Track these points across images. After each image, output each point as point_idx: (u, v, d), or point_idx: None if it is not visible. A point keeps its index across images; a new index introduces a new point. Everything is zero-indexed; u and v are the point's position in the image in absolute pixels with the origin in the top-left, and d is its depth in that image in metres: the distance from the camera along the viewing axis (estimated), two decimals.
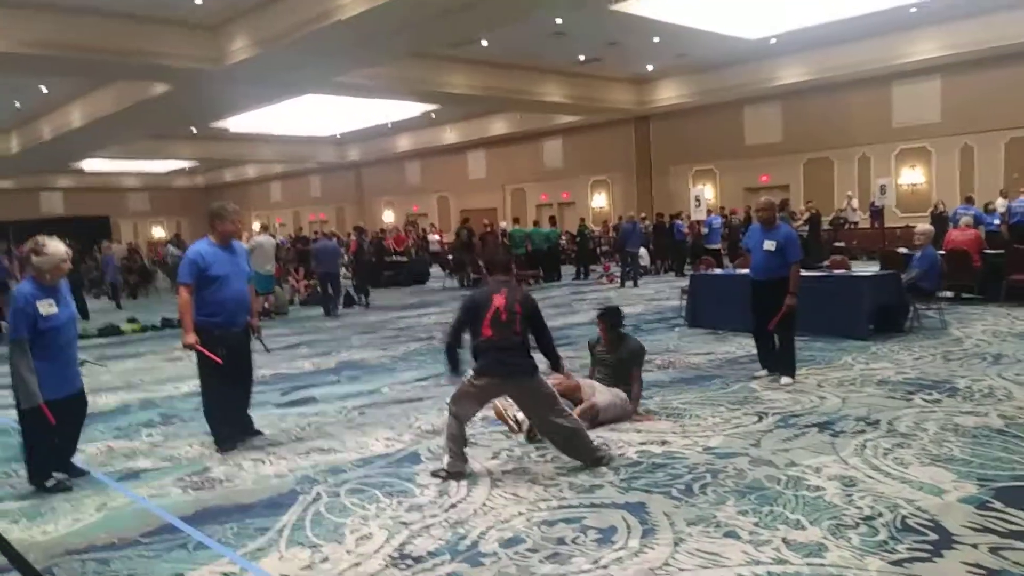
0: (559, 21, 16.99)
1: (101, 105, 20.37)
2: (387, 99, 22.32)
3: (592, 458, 4.65)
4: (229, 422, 5.51)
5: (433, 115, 27.34)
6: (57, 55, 14.43)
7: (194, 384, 7.91)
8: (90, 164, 33.43)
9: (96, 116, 20.81)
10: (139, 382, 8.30)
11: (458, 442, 4.61)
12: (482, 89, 21.13)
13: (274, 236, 17.01)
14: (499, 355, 4.52)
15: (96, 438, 5.95)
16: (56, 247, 4.61)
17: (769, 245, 6.76)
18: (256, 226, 38.97)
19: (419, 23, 13.79)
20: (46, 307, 4.54)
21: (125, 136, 25.25)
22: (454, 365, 4.74)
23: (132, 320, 13.41)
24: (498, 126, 28.74)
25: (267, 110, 22.95)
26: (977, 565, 3.21)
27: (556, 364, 4.96)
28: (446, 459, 4.62)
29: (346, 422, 6.12)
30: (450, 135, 30.50)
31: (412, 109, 25.37)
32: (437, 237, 27.99)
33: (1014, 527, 3.55)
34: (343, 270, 21.71)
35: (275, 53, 15.04)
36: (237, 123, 25.91)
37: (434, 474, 4.62)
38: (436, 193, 34.17)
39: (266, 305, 13.24)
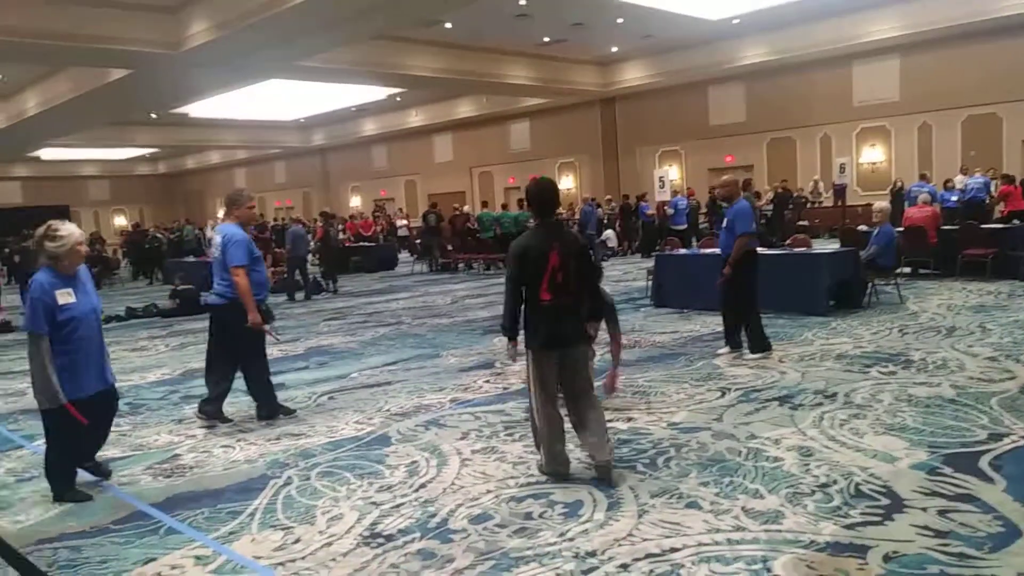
0: (523, 2, 16.96)
1: (58, 91, 19.91)
2: (351, 83, 22.12)
3: (608, 456, 4.14)
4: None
5: (398, 98, 27.15)
6: (10, 40, 14.08)
7: (162, 373, 7.94)
8: (48, 152, 32.70)
9: (53, 103, 20.33)
10: None
11: (558, 439, 4.17)
12: (447, 72, 21.03)
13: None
14: (559, 324, 4.05)
15: None
16: (71, 230, 4.22)
17: (727, 222, 6.91)
18: (220, 213, 38.56)
19: (382, 5, 13.67)
20: (64, 296, 4.15)
21: (83, 123, 24.70)
22: (515, 332, 4.15)
23: None
24: (464, 109, 28.63)
25: (229, 95, 22.61)
26: (926, 527, 3.36)
27: (601, 318, 4.71)
28: (544, 460, 4.24)
29: (315, 407, 6.15)
30: (416, 118, 30.32)
31: (377, 93, 25.15)
32: (405, 222, 27.89)
33: (961, 491, 3.71)
34: (310, 256, 21.65)
35: (235, 37, 14.81)
36: (198, 108, 25.49)
37: (540, 470, 4.24)
38: (403, 177, 33.99)
39: None
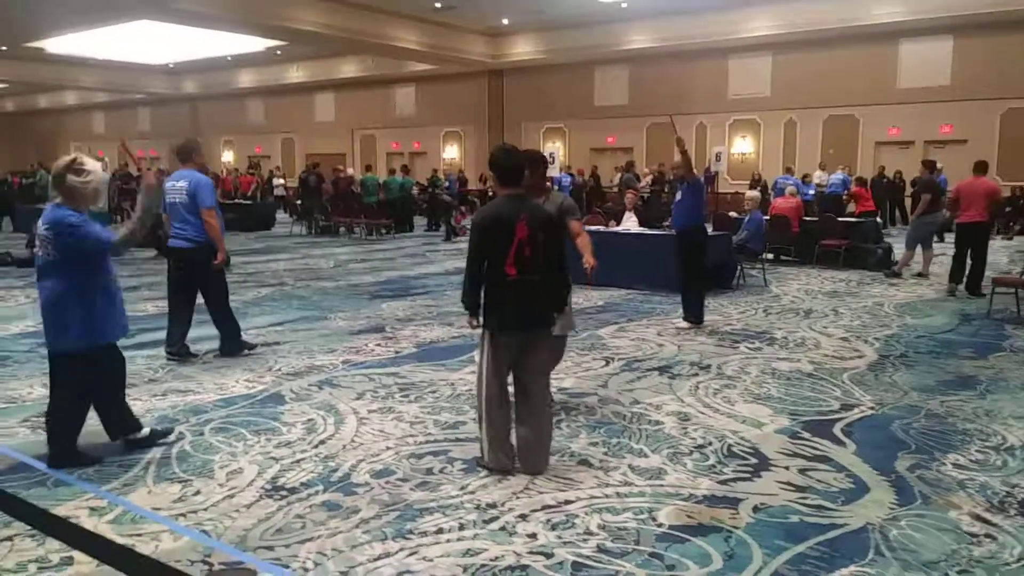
0: None
1: None
2: (229, 31, 21.06)
3: (543, 467, 3.87)
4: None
5: (279, 52, 26.12)
6: None
7: (25, 325, 7.47)
8: None
9: None
10: None
11: (504, 430, 3.86)
12: (332, 28, 20.38)
13: (106, 171, 15.82)
14: (524, 305, 3.76)
15: None
16: (96, 166, 3.84)
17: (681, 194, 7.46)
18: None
19: None
20: None
21: None
22: (476, 306, 3.83)
23: None
24: (348, 69, 27.90)
25: (92, 33, 21.04)
26: (788, 483, 3.75)
27: (565, 304, 4.23)
28: (486, 450, 3.87)
29: (201, 364, 6.01)
30: (297, 74, 29.29)
31: (256, 44, 24.09)
32: (282, 181, 27.01)
33: (818, 452, 4.16)
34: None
35: None
36: (56, 44, 23.59)
37: (479, 464, 3.91)
38: (281, 134, 32.80)
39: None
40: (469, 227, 3.91)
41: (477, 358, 4.01)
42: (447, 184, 20.73)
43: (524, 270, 3.71)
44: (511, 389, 3.96)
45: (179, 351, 6.08)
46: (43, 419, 4.61)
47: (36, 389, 5.29)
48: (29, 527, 3.16)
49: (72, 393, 3.92)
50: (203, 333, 6.47)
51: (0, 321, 7.67)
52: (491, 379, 3.81)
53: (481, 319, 3.83)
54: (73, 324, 3.79)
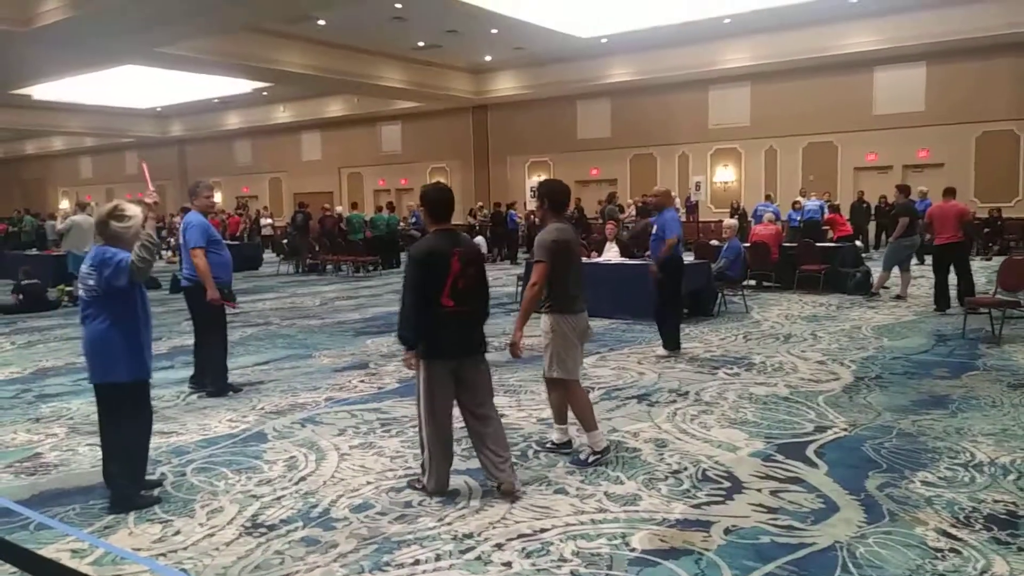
0: (399, 5, 17.07)
1: None
2: (216, 74, 21.33)
3: (511, 477, 4.02)
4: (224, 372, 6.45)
5: (265, 93, 26.45)
6: None
7: (10, 371, 7.50)
8: None
9: None
10: None
11: (447, 456, 4.04)
12: (318, 69, 20.76)
13: (91, 215, 15.89)
14: (460, 333, 3.96)
15: None
16: (136, 211, 3.96)
17: (656, 229, 7.64)
18: (64, 204, 35.96)
19: None
20: None
21: None
22: (414, 340, 3.94)
23: None
24: (335, 108, 28.25)
25: (79, 78, 21.28)
26: (760, 505, 3.83)
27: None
28: (430, 478, 4.03)
29: (185, 405, 6.06)
30: (283, 114, 29.62)
31: (243, 85, 24.41)
32: (270, 220, 27.16)
33: (791, 474, 4.24)
34: (168, 253, 20.70)
35: (91, 17, 14.05)
36: (43, 90, 23.81)
37: (411, 485, 4.13)
38: (268, 174, 33.06)
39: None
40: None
41: (416, 390, 4.08)
42: (413, 219, 20.84)
43: (459, 301, 3.90)
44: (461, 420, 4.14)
45: (214, 385, 6.31)
46: (27, 464, 4.66)
47: (20, 435, 5.33)
48: (11, 571, 3.21)
49: (130, 426, 3.97)
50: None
51: None
52: (429, 406, 3.96)
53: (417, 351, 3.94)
54: (122, 357, 3.87)
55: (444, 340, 3.92)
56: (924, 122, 19.66)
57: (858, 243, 14.82)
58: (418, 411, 4.05)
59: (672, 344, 7.57)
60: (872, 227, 18.99)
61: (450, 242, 3.94)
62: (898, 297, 10.89)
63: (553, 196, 4.59)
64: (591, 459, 4.42)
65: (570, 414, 4.66)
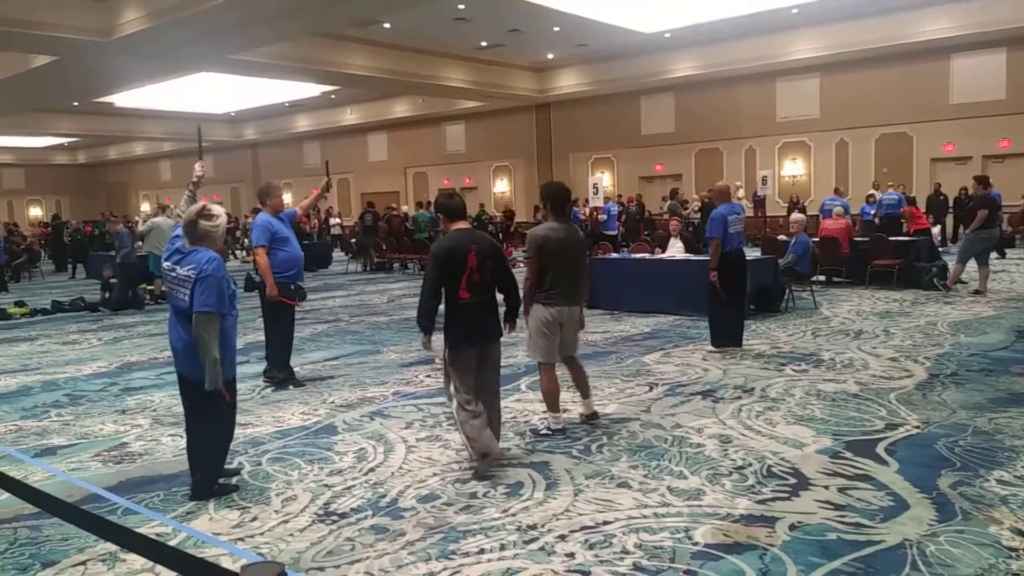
0: (462, 6, 17.23)
1: None
2: (286, 79, 21.97)
3: (499, 452, 4.46)
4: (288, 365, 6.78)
5: (333, 96, 27.05)
6: None
7: (98, 365, 7.91)
8: None
9: None
10: (37, 365, 8.13)
11: (480, 426, 4.31)
12: (384, 71, 21.14)
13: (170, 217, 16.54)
14: (478, 321, 4.37)
15: (2, 418, 5.91)
16: (222, 211, 4.19)
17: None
18: (145, 207, 37.46)
19: (318, 3, 13.73)
20: None
21: (1, 109, 23.81)
22: (431, 328, 4.37)
23: (20, 303, 12.88)
24: (400, 109, 28.69)
25: (157, 86, 22.18)
26: (827, 502, 3.78)
27: (522, 311, 4.91)
28: (474, 450, 4.33)
29: (260, 399, 6.29)
30: (351, 116, 30.22)
31: (311, 89, 25.03)
32: (338, 220, 27.77)
33: (859, 472, 4.17)
34: (242, 253, 21.40)
35: (168, 27, 14.60)
36: (124, 98, 24.89)
37: (474, 476, 4.30)
38: (336, 175, 33.67)
39: (163, 288, 12.96)
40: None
41: (443, 376, 4.54)
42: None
43: (475, 293, 4.33)
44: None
45: (275, 378, 6.63)
46: (113, 453, 4.93)
47: (108, 425, 5.63)
48: (101, 553, 3.43)
49: (220, 421, 4.14)
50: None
51: (75, 363, 8.13)
52: (461, 386, 4.36)
53: (440, 339, 4.39)
54: (224, 356, 4.02)
55: (464, 329, 4.35)
56: (1005, 111, 18.84)
57: (934, 231, 14.29)
58: (451, 396, 4.46)
59: (723, 340, 7.48)
60: (950, 220, 18.31)
61: (468, 240, 4.38)
62: (977, 292, 10.50)
63: (555, 198, 5.04)
64: (542, 432, 5.00)
65: (572, 408, 4.74)
